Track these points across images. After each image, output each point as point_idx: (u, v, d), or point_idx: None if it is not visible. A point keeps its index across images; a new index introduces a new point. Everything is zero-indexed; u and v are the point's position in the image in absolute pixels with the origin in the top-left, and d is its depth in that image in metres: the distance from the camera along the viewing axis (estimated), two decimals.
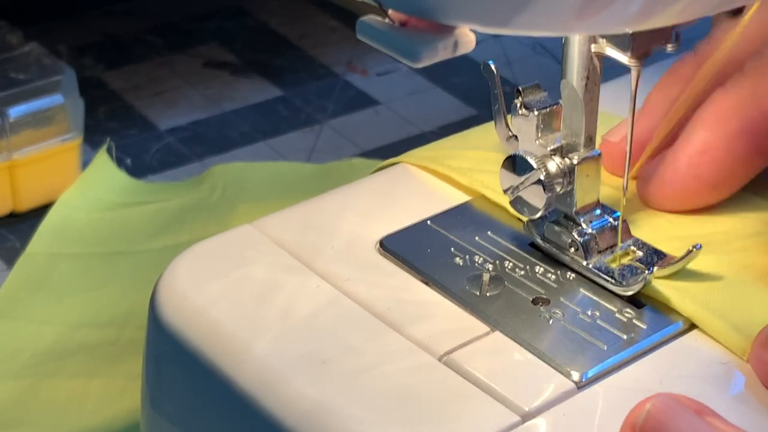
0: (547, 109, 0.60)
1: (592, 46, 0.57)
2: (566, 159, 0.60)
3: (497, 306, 0.59)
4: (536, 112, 0.60)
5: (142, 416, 0.64)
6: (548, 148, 0.60)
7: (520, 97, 0.60)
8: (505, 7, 0.46)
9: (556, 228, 0.61)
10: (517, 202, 0.61)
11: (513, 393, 0.53)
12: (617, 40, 0.56)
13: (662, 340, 0.57)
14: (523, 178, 0.60)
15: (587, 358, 0.55)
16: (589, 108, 0.59)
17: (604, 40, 0.57)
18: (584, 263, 0.60)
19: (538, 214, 0.60)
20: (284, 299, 0.60)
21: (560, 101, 0.60)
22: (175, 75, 1.16)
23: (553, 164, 0.59)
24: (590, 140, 0.60)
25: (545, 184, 0.59)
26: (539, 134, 0.60)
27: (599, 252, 0.60)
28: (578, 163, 0.59)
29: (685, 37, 0.57)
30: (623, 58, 0.56)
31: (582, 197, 0.60)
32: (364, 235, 0.64)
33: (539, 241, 0.62)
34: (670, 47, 0.57)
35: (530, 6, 0.45)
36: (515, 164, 0.60)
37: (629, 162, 0.59)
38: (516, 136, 0.61)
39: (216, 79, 1.16)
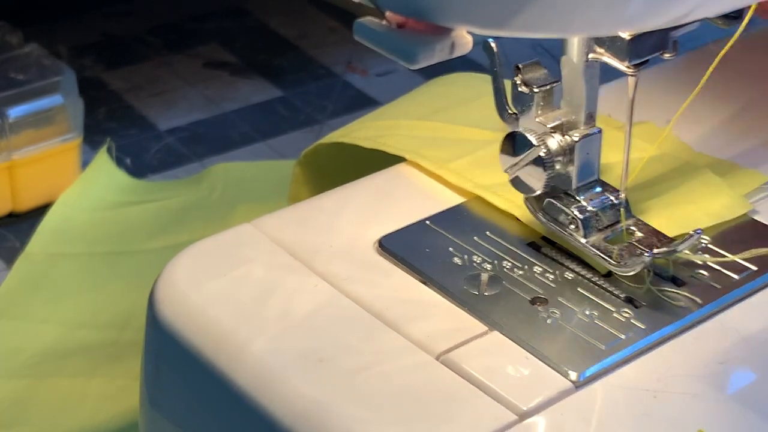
0: (547, 87, 0.60)
1: (590, 55, 0.57)
2: (567, 136, 0.59)
3: (495, 305, 0.59)
4: (536, 90, 0.59)
5: (141, 414, 0.64)
6: (548, 126, 0.60)
7: (519, 75, 0.60)
8: (502, 8, 0.46)
9: (556, 204, 0.61)
10: (517, 179, 0.61)
11: (510, 392, 0.53)
12: (615, 48, 0.56)
13: (660, 340, 0.57)
14: (523, 155, 0.59)
15: (585, 358, 0.55)
16: (590, 85, 0.59)
17: (603, 49, 0.57)
18: (583, 241, 0.60)
19: (538, 191, 0.60)
20: (283, 298, 0.60)
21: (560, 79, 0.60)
22: (175, 75, 1.16)
23: (554, 141, 0.59)
24: (591, 117, 0.59)
25: (545, 161, 0.59)
26: (539, 112, 0.60)
27: (599, 230, 0.60)
28: (579, 141, 0.59)
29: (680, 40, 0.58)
30: (621, 66, 0.56)
31: (582, 175, 0.60)
32: (362, 234, 0.64)
33: (539, 217, 0.61)
34: (667, 55, 0.57)
35: (527, 8, 0.45)
36: (515, 142, 0.60)
37: (628, 150, 0.59)
38: (515, 114, 0.61)
39: (216, 79, 1.16)
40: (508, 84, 0.61)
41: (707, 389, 0.54)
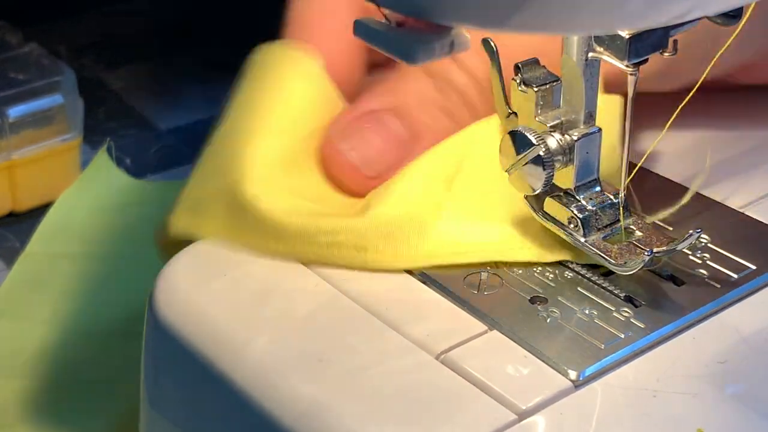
0: (547, 86, 0.60)
1: (590, 54, 0.58)
2: (566, 135, 0.59)
3: (495, 305, 0.59)
4: (535, 89, 0.59)
5: (141, 415, 0.64)
6: (548, 125, 0.60)
7: (519, 74, 0.60)
8: (502, 7, 0.46)
9: (556, 203, 0.61)
10: (516, 179, 0.60)
11: (510, 391, 0.53)
12: (614, 48, 0.56)
13: (660, 339, 0.57)
14: (522, 155, 0.59)
15: (584, 357, 0.55)
16: (590, 84, 0.59)
17: (602, 48, 0.57)
18: (582, 240, 0.60)
19: (538, 191, 0.60)
20: (282, 298, 0.60)
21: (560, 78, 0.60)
22: (175, 75, 1.16)
23: (553, 140, 0.59)
24: (590, 116, 0.60)
25: (545, 161, 0.59)
26: (538, 111, 0.60)
27: (598, 229, 0.60)
28: (578, 140, 0.59)
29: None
30: (620, 65, 0.56)
31: (581, 174, 0.60)
32: None
33: (539, 216, 0.61)
34: (666, 54, 0.57)
35: (526, 6, 0.45)
36: (515, 141, 0.60)
37: (629, 137, 0.59)
38: (515, 113, 0.61)
39: (216, 79, 1.16)
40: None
41: (707, 389, 0.54)
